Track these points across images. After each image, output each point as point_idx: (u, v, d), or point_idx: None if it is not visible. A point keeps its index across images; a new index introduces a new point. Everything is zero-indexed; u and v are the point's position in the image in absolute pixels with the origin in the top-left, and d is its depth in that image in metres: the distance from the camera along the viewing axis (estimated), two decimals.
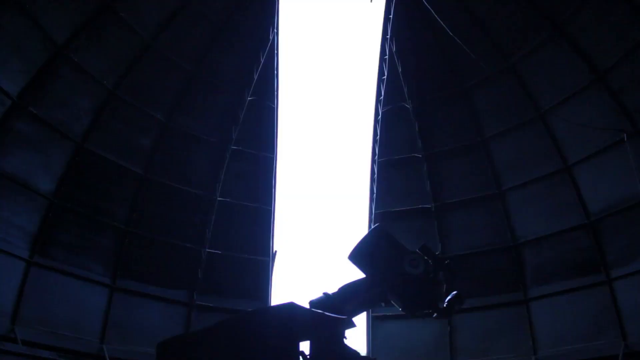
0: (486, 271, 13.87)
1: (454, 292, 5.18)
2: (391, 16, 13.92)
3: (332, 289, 5.26)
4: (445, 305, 5.16)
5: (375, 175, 14.98)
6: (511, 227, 13.78)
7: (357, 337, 14.27)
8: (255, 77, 14.27)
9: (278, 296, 14.70)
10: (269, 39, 14.08)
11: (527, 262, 13.53)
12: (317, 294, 5.22)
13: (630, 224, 12.00)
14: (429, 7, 12.88)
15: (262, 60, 14.20)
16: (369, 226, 14.78)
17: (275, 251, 14.91)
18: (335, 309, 4.89)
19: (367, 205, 15.05)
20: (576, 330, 12.45)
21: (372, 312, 14.01)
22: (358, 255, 5.38)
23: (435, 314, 5.19)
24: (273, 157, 14.98)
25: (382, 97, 14.78)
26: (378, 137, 14.94)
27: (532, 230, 13.52)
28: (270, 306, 6.51)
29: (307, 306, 5.03)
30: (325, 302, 5.04)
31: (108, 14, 12.16)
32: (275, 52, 14.42)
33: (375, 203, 14.91)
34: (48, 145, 12.14)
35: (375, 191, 14.95)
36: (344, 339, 4.81)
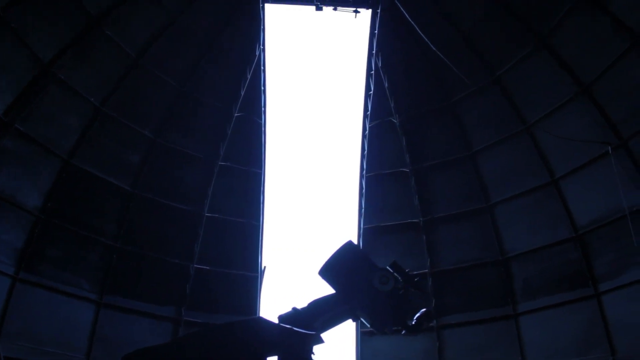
0: (475, 285, 13.83)
1: (423, 309, 5.19)
2: (376, 32, 14.02)
3: (302, 304, 5.25)
4: (414, 322, 5.16)
5: (364, 190, 14.98)
6: (500, 241, 13.73)
7: (345, 352, 14.22)
8: (242, 93, 14.34)
9: (267, 312, 14.68)
10: (255, 55, 14.17)
11: (516, 276, 13.47)
12: (286, 309, 5.22)
13: (618, 237, 11.94)
14: (413, 23, 12.99)
15: (249, 77, 14.26)
16: (358, 241, 14.77)
17: (264, 267, 14.88)
18: (304, 324, 4.90)
19: (356, 220, 15.06)
20: (565, 345, 12.39)
21: (360, 328, 13.97)
22: (328, 271, 5.40)
23: (404, 331, 5.19)
24: (261, 173, 14.97)
25: (369, 112, 14.84)
26: (366, 152, 14.96)
27: (521, 243, 13.47)
28: (238, 320, 6.50)
29: (276, 321, 5.02)
30: (294, 317, 5.05)
31: (95, 32, 12.26)
32: (262, 68, 14.47)
33: (363, 218, 14.88)
34: (35, 161, 12.15)
35: (363, 206, 14.94)
36: (312, 355, 4.80)
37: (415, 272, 13.72)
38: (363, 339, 14.09)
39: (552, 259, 12.99)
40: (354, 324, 13.44)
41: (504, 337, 13.21)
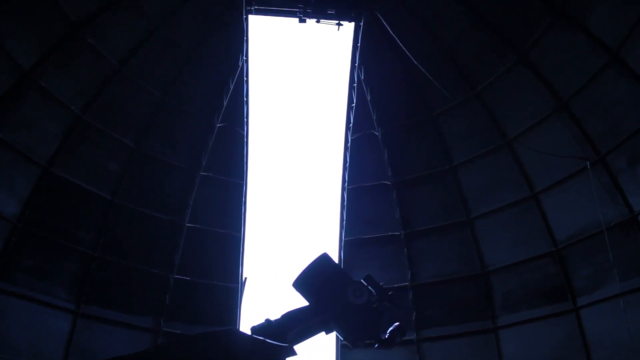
0: (455, 299, 13.86)
1: (396, 323, 5.20)
2: (359, 45, 14.09)
3: (277, 315, 5.23)
4: (387, 336, 5.17)
5: (345, 202, 14.96)
6: (480, 255, 13.78)
7: None
8: (225, 103, 14.31)
9: (248, 323, 14.51)
10: (239, 66, 14.15)
11: (496, 290, 13.52)
12: (259, 320, 5.19)
13: (596, 252, 12.03)
14: (395, 37, 13.08)
15: (232, 87, 14.23)
16: (339, 253, 14.75)
17: (245, 278, 14.78)
18: (277, 336, 4.88)
19: (337, 232, 15.04)
20: (544, 359, 12.46)
21: (340, 340, 13.89)
22: (302, 283, 5.39)
23: (377, 345, 5.19)
24: (243, 184, 14.91)
25: (351, 124, 14.88)
26: (348, 164, 14.98)
27: (501, 258, 13.53)
28: (210, 332, 6.45)
29: (249, 332, 4.99)
30: (267, 328, 5.03)
31: (75, 39, 12.20)
32: (245, 78, 14.44)
33: (345, 230, 14.87)
34: (13, 169, 12.01)
35: (344, 218, 14.93)
36: None
37: (395, 285, 13.78)
38: (343, 352, 14.05)
39: (531, 273, 13.05)
40: (334, 336, 13.45)
41: (484, 351, 13.23)
